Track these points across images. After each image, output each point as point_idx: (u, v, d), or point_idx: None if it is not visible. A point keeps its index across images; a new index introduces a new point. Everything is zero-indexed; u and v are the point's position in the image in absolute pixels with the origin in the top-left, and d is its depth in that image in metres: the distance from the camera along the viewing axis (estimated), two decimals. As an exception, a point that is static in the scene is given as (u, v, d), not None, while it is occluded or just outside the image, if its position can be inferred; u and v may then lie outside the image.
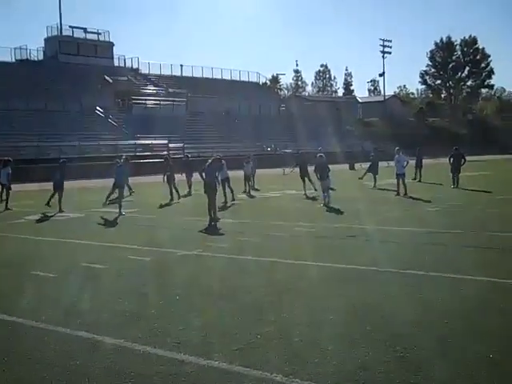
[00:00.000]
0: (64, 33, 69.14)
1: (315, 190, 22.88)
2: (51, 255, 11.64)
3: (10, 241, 13.95)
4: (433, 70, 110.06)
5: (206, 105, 67.61)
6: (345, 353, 5.67)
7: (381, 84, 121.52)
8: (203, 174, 15.87)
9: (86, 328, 6.58)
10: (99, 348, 6.00)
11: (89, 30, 71.12)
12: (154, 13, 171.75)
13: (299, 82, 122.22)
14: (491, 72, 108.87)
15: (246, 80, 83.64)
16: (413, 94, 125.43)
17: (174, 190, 22.67)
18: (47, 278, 9.34)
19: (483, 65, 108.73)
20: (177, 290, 8.29)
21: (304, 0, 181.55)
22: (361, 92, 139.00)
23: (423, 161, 30.71)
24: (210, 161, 16.13)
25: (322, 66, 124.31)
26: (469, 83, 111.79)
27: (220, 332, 6.41)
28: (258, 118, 69.80)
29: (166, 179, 23.22)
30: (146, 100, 65.56)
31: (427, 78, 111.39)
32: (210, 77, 78.34)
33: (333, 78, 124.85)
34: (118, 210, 18.28)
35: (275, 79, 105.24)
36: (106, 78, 65.47)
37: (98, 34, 72.05)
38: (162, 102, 65.94)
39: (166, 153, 42.57)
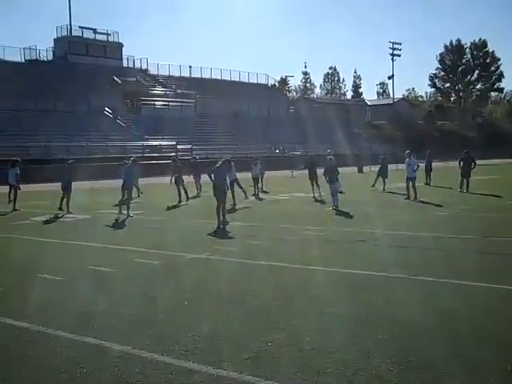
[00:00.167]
0: (73, 33, 69.31)
1: (320, 194, 22.81)
2: (58, 257, 11.53)
3: (17, 242, 13.86)
4: (442, 73, 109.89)
5: (214, 106, 67.61)
6: (358, 363, 5.52)
7: (390, 87, 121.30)
8: (212, 176, 15.76)
9: (94, 334, 6.47)
10: (107, 355, 5.87)
11: (98, 30, 71.30)
12: (163, 14, 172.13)
13: (308, 84, 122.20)
14: (501, 75, 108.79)
15: (255, 82, 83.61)
16: (422, 97, 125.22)
17: (182, 192, 22.58)
18: (54, 281, 9.23)
19: (493, 68, 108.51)
20: (185, 295, 8.17)
21: (313, 2, 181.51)
22: (369, 95, 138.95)
23: (433, 164, 30.49)
24: (219, 163, 16.02)
25: (330, 68, 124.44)
26: (478, 86, 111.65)
27: (229, 339, 6.28)
28: (267, 119, 69.72)
29: (173, 181, 23.13)
30: (154, 101, 65.60)
31: (436, 81, 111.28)
32: (219, 78, 78.38)
33: (341, 81, 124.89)
34: (125, 212, 18.19)
35: (284, 81, 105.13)
36: (115, 78, 65.56)
37: (108, 34, 72.20)
38: (170, 103, 65.95)
39: (174, 154, 42.57)
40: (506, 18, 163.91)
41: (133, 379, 5.24)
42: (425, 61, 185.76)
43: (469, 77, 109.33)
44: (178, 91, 69.64)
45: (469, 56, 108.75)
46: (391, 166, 30.14)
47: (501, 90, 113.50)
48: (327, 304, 7.61)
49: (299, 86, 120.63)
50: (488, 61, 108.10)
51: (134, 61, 73.81)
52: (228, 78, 79.52)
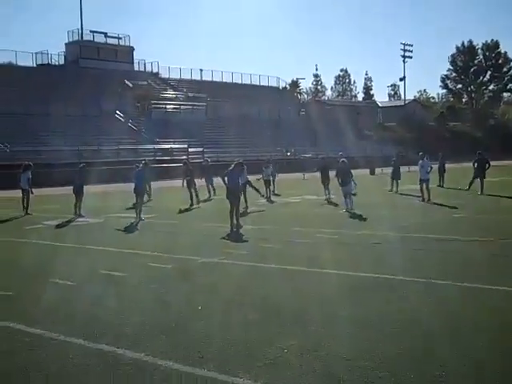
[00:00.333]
0: (85, 37, 69.54)
1: (330, 196, 22.74)
2: (70, 262, 11.45)
3: (29, 247, 13.81)
4: (454, 74, 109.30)
5: (225, 109, 67.56)
6: (377, 370, 5.36)
7: (401, 88, 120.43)
8: (225, 179, 15.65)
9: (107, 341, 6.36)
10: (120, 362, 5.75)
11: (109, 34, 71.45)
12: (174, 17, 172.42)
13: (319, 87, 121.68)
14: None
15: (266, 84, 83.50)
16: (433, 98, 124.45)
17: (194, 195, 22.50)
18: (66, 286, 9.15)
19: (505, 69, 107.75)
20: (198, 299, 8.05)
21: (324, 4, 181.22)
22: (380, 96, 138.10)
23: (446, 166, 30.25)
24: (232, 166, 15.92)
25: (341, 70, 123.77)
26: (491, 87, 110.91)
27: (244, 345, 6.14)
28: (278, 122, 69.57)
29: (185, 184, 23.07)
30: (165, 104, 65.64)
31: (448, 82, 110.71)
32: (230, 81, 78.30)
33: (352, 83, 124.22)
34: (139, 215, 18.13)
35: (295, 84, 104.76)
36: (126, 82, 65.70)
37: (119, 38, 72.38)
38: (181, 107, 66.00)
39: (185, 157, 42.56)
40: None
41: (146, 387, 5.13)
42: (436, 62, 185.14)
43: (481, 78, 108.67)
44: (189, 94, 69.66)
45: (481, 57, 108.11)
46: (403, 168, 29.91)
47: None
48: (342, 308, 7.47)
49: (310, 88, 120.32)
50: (500, 62, 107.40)
51: (145, 64, 73.99)
52: (239, 81, 79.46)
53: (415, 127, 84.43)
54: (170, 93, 70.78)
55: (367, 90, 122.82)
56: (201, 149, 51.95)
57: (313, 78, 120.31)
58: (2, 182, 32.81)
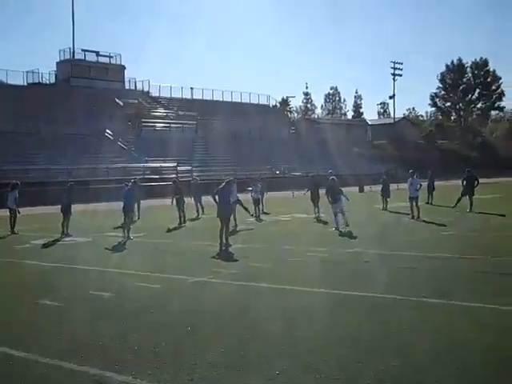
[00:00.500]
0: (76, 56, 69.53)
1: (319, 215, 22.77)
2: (57, 282, 11.29)
3: (16, 267, 13.65)
4: (443, 92, 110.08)
5: (215, 127, 67.59)
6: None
7: (390, 106, 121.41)
8: (216, 198, 15.57)
9: (94, 364, 6.23)
10: (107, 385, 5.65)
11: (101, 53, 71.52)
12: (166, 36, 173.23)
13: (309, 105, 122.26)
14: (502, 94, 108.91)
15: (256, 102, 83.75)
16: (422, 116, 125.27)
17: (182, 214, 22.39)
18: (53, 308, 9.02)
19: (494, 87, 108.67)
20: (188, 320, 7.95)
21: (314, 23, 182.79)
22: (370, 114, 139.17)
23: (435, 183, 30.34)
24: (223, 184, 15.86)
25: (331, 88, 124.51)
26: (479, 105, 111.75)
27: (236, 367, 6.03)
28: (268, 140, 69.66)
29: (174, 202, 22.97)
30: (155, 123, 65.63)
31: (437, 100, 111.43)
32: (221, 99, 78.46)
33: (342, 101, 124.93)
34: (127, 235, 18.00)
35: (285, 102, 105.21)
36: (117, 100, 65.69)
37: (110, 57, 72.42)
38: (171, 125, 66.01)
39: (174, 176, 42.45)
40: (506, 37, 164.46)
41: (133, 412, 5.02)
42: (425, 80, 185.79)
43: (470, 96, 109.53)
44: (180, 113, 69.69)
45: (470, 75, 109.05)
46: (392, 186, 29.98)
47: (501, 108, 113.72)
48: (337, 328, 7.41)
49: (300, 106, 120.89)
50: (489, 80, 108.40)
51: (135, 83, 73.99)
52: (229, 99, 79.63)
53: (404, 145, 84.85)
54: (161, 111, 70.81)
55: (357, 107, 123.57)
56: (190, 167, 51.88)
57: (303, 96, 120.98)
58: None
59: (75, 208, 20.69)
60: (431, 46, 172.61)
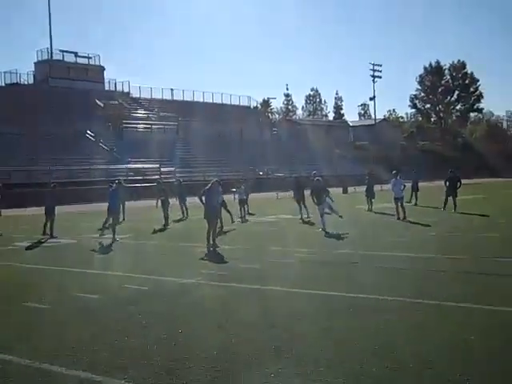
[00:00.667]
0: (55, 57, 68.99)
1: (308, 215, 22.69)
2: (43, 284, 11.08)
3: (0, 269, 13.39)
4: (422, 93, 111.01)
5: (197, 128, 67.37)
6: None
7: (371, 108, 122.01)
8: (203, 198, 15.42)
9: (84, 367, 6.05)
10: (99, 390, 5.50)
11: (79, 54, 70.98)
12: (145, 37, 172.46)
13: (290, 106, 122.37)
14: (480, 96, 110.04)
15: (237, 104, 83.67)
16: (402, 117, 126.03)
17: (166, 215, 22.16)
18: (40, 310, 8.82)
19: (472, 89, 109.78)
20: (178, 322, 7.80)
21: (294, 25, 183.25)
22: (351, 116, 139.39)
23: (419, 184, 30.45)
24: (209, 185, 15.72)
25: (312, 89, 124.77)
26: (458, 107, 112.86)
27: (232, 370, 5.89)
28: (250, 141, 69.58)
29: (159, 204, 22.77)
30: (137, 124, 65.28)
31: (417, 101, 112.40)
32: (201, 100, 78.25)
33: (323, 102, 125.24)
34: (111, 236, 17.78)
35: (266, 103, 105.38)
36: (97, 101, 65.19)
37: (89, 57, 71.93)
38: (153, 126, 65.67)
39: (157, 177, 42.21)
40: (484, 40, 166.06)
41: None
42: (405, 82, 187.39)
43: (449, 97, 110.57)
44: (161, 114, 69.39)
45: (448, 77, 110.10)
46: (376, 187, 30.01)
47: (480, 110, 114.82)
48: (329, 330, 7.29)
49: (281, 107, 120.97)
50: (467, 82, 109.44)
51: (115, 84, 73.60)
52: (210, 101, 79.47)
53: (386, 146, 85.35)
54: (141, 112, 70.46)
55: (338, 109, 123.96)
56: (173, 168, 51.63)
57: (283, 98, 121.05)
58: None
59: (59, 209, 20.39)
60: (410, 48, 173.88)
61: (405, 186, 23.06)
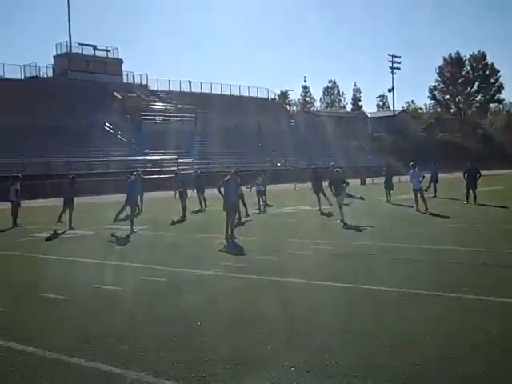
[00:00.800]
0: (73, 50, 69.22)
1: (330, 204, 22.50)
2: (62, 275, 11.09)
3: (19, 260, 13.49)
4: (442, 85, 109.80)
5: (215, 120, 67.29)
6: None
7: (389, 99, 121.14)
8: (221, 190, 15.36)
9: (103, 359, 6.03)
10: (118, 383, 5.46)
11: (98, 47, 71.13)
12: (164, 29, 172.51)
13: (307, 98, 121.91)
14: (500, 87, 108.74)
15: (255, 96, 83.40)
16: (421, 109, 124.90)
17: (184, 206, 22.13)
18: (58, 301, 8.83)
19: (492, 80, 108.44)
20: (197, 315, 7.76)
21: (312, 16, 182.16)
22: (369, 107, 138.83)
23: (438, 175, 30.11)
24: (228, 176, 15.66)
25: (330, 81, 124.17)
26: (478, 98, 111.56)
27: (249, 363, 5.83)
28: (268, 133, 69.40)
29: (177, 195, 22.78)
30: (155, 116, 65.41)
31: (436, 93, 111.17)
32: (219, 93, 78.14)
33: (341, 94, 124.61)
34: (129, 227, 17.80)
35: (284, 95, 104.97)
36: (116, 94, 65.39)
37: (107, 50, 72.07)
38: (171, 118, 65.76)
39: (175, 168, 42.28)
40: (504, 30, 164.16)
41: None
42: (424, 73, 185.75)
43: (468, 89, 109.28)
44: (179, 106, 69.43)
45: (468, 68, 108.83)
46: (395, 178, 29.75)
47: (501, 101, 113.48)
48: (348, 322, 7.21)
49: (299, 99, 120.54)
50: (487, 73, 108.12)
51: (133, 76, 73.64)
52: (228, 93, 79.31)
53: (404, 137, 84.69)
54: (160, 104, 70.54)
55: (356, 100, 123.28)
56: (190, 160, 51.68)
57: (301, 90, 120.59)
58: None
59: (77, 201, 20.47)
60: (429, 39, 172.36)
61: (424, 176, 22.83)
